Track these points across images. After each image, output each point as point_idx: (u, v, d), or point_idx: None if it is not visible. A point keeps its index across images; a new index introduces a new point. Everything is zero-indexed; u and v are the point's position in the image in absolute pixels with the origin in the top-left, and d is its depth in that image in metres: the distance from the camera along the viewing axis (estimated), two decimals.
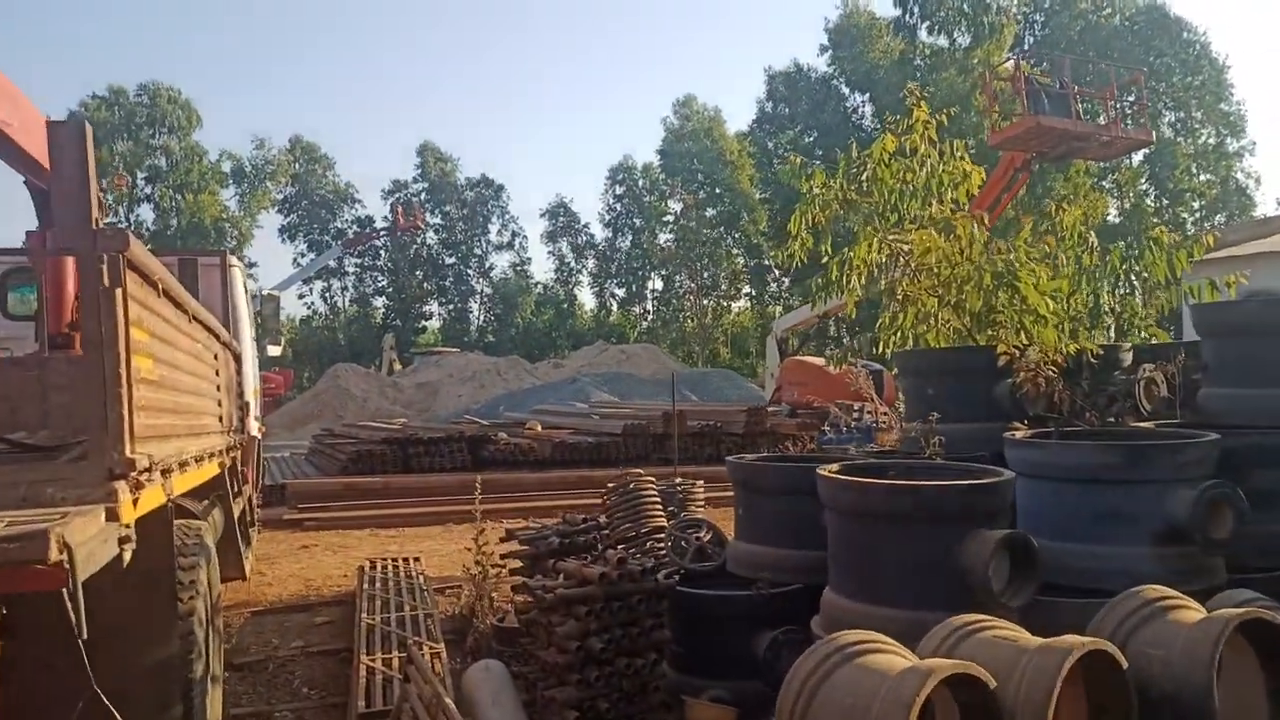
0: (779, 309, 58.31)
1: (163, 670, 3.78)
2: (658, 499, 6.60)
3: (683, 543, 5.90)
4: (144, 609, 3.68)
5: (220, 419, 5.69)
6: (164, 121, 51.61)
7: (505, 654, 5.82)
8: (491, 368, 37.03)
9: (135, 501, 3.01)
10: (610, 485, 6.70)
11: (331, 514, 11.91)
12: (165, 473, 3.58)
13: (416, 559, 8.21)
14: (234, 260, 8.77)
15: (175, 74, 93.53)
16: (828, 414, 18.31)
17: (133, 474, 2.93)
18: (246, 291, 9.22)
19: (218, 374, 5.68)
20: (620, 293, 61.77)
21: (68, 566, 2.17)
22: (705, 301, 58.35)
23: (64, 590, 2.22)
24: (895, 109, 9.45)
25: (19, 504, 2.72)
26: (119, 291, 2.88)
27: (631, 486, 6.62)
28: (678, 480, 7.09)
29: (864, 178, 8.30)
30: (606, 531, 6.74)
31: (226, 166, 54.13)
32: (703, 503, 7.03)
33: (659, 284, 61.22)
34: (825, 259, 7.70)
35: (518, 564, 7.02)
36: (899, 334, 7.26)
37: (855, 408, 17.94)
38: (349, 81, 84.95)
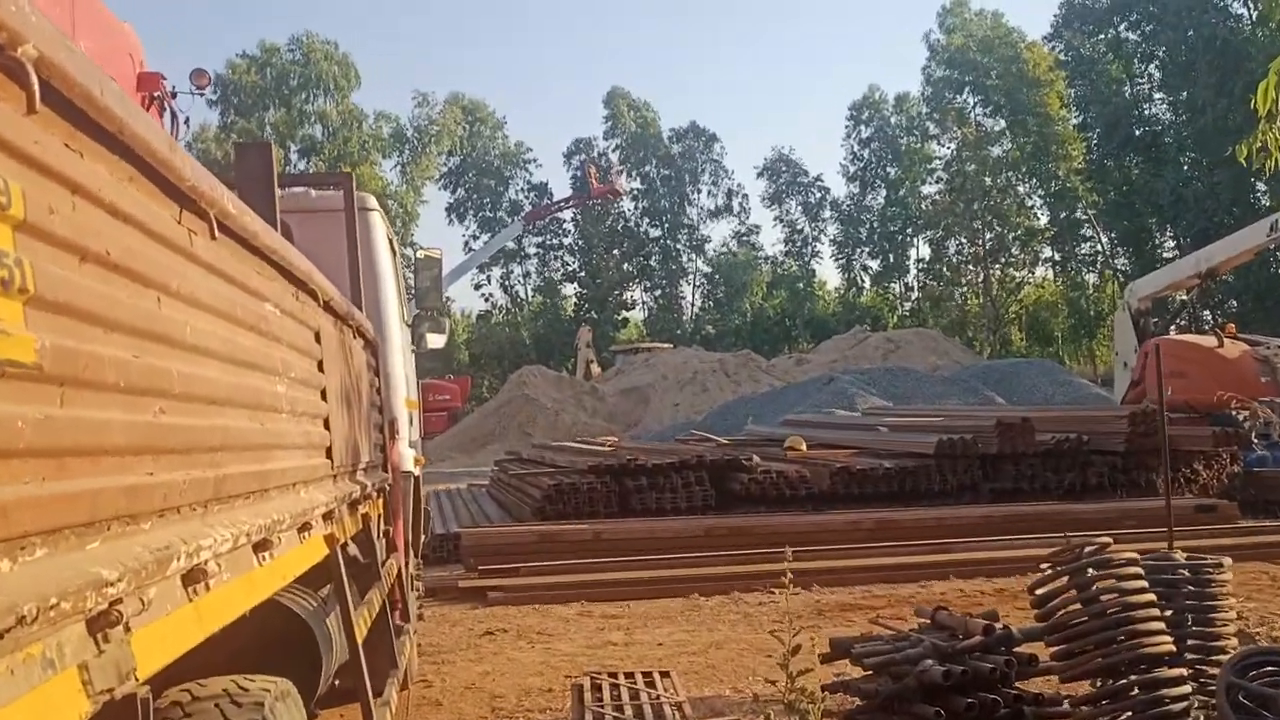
0: (1092, 277, 53.60)
1: None
2: (1150, 593, 4.25)
3: (1243, 697, 3.46)
4: None
5: (329, 451, 3.81)
6: (319, 82, 53.46)
7: None
8: (716, 367, 35.41)
9: None
10: (1046, 563, 4.42)
11: (524, 579, 10.45)
12: (101, 625, 1.62)
13: (665, 674, 6.22)
14: (370, 200, 7.06)
15: (329, 27, 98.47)
16: (1235, 419, 15.01)
17: None
18: (394, 249, 7.50)
19: (321, 368, 3.79)
20: (874, 265, 58.78)
21: None
22: (991, 271, 54.18)
23: None
24: None
25: None
26: None
27: (1090, 570, 4.26)
28: (1180, 557, 4.62)
29: None
30: (1032, 649, 4.44)
31: (385, 131, 55.56)
32: (1231, 596, 4.54)
33: (925, 251, 57.75)
34: None
35: (852, 701, 4.92)
36: None
37: None
38: (513, 30, 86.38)
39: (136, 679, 1.76)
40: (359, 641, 3.99)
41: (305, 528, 3.26)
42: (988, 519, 11.90)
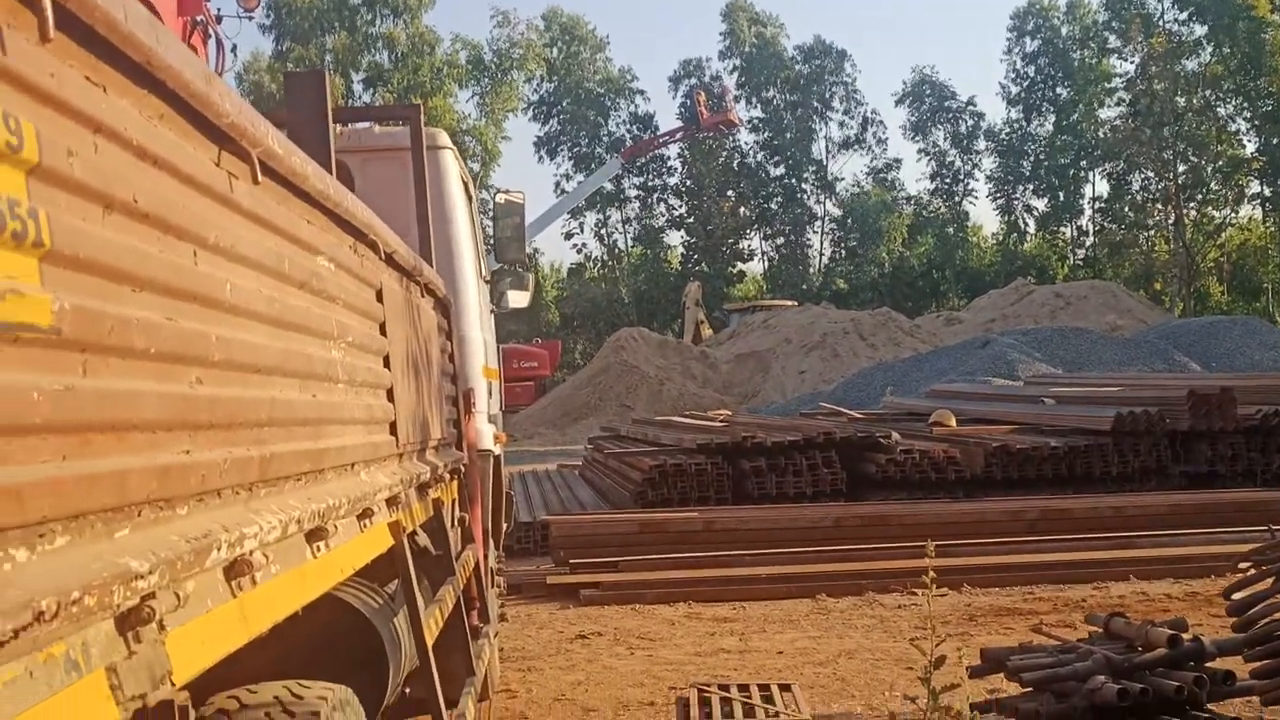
0: None
1: None
2: None
3: None
4: None
5: (393, 427, 3.90)
6: (386, 1, 54.30)
7: None
8: (849, 327, 35.13)
9: None
10: (1246, 561, 4.31)
11: (622, 575, 10.53)
12: (131, 623, 1.68)
13: (785, 688, 6.23)
14: (442, 136, 7.14)
15: None
16: None
17: None
18: (469, 194, 7.59)
19: (384, 331, 3.87)
20: (1040, 205, 57.60)
21: None
22: (1185, 211, 52.54)
23: None
24: None
25: None
26: None
27: None
28: None
29: None
30: (1227, 664, 4.34)
31: (463, 58, 56.16)
32: None
33: (1103, 188, 56.30)
34: None
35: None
36: None
37: None
38: None
39: (173, 683, 1.82)
40: (429, 645, 4.08)
41: (366, 514, 3.33)
42: (1177, 509, 11.59)
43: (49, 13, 1.49)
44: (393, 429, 3.91)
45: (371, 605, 4.50)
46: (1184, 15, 50.11)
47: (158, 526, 1.82)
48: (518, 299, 8.78)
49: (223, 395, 2.16)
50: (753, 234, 60.31)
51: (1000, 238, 58.60)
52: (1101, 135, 54.75)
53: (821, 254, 60.15)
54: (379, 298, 3.89)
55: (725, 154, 58.49)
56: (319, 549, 2.77)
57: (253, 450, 2.34)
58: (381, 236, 3.90)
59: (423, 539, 4.96)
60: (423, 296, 5.02)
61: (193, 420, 2.00)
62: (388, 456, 3.80)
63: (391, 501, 3.72)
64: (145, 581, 1.65)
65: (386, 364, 3.90)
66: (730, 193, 59.03)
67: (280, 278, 2.63)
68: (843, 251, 59.23)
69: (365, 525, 3.35)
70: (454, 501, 5.67)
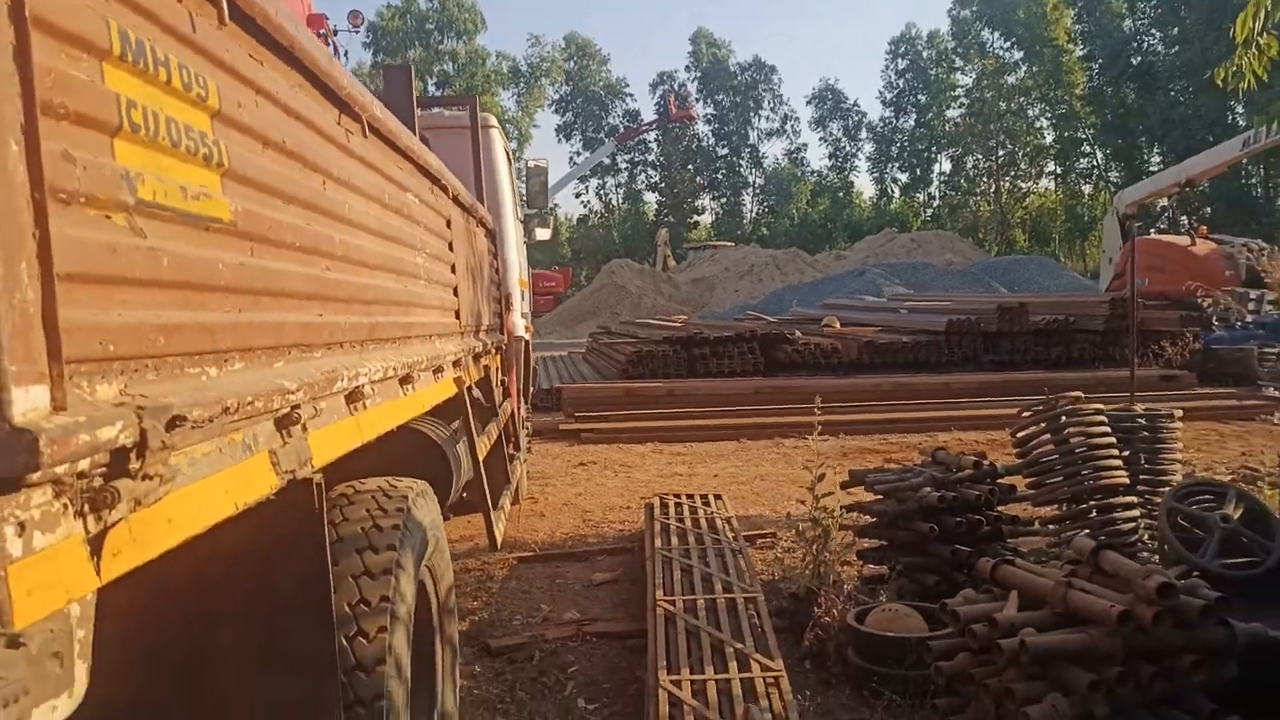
0: (1088, 187, 51.28)
1: None
2: (1111, 437, 4.15)
3: (1181, 519, 3.45)
4: (276, 678, 1.90)
5: (457, 313, 3.90)
6: (452, 26, 52.66)
7: (875, 681, 3.73)
8: (769, 261, 34.83)
9: (97, 545, 1.10)
10: (1026, 412, 4.35)
11: (611, 424, 10.53)
12: (285, 423, 1.72)
13: (717, 497, 6.32)
14: (491, 119, 7.01)
15: None
16: (1200, 305, 14.45)
17: (59, 466, 0.99)
18: (509, 160, 7.47)
19: (451, 248, 3.85)
20: (903, 178, 56.91)
21: None
22: (1002, 183, 52.05)
23: None
24: None
25: None
26: None
27: (1063, 418, 4.19)
28: (1138, 410, 4.53)
29: None
30: (1011, 480, 4.43)
31: (504, 68, 54.71)
32: (1180, 443, 4.45)
33: (946, 166, 55.66)
34: None
35: (864, 519, 4.95)
36: None
37: (1252, 295, 13.96)
38: None
39: (313, 467, 1.88)
40: (480, 462, 4.15)
41: (439, 370, 3.36)
42: (986, 384, 11.71)
43: (225, 7, 1.49)
44: (457, 314, 3.93)
45: (442, 435, 4.56)
46: (1007, 44, 49.14)
47: (301, 362, 1.86)
48: (543, 233, 8.70)
49: (343, 279, 2.19)
50: (704, 195, 59.48)
51: (874, 200, 57.95)
52: (947, 129, 53.94)
53: (751, 210, 59.41)
54: (448, 225, 3.88)
55: (687, 139, 57.32)
56: (408, 390, 2.81)
57: (363, 318, 2.37)
58: (450, 182, 3.88)
59: (476, 392, 5.00)
60: (477, 227, 5.01)
61: (324, 294, 2.03)
62: (453, 333, 3.82)
63: (456, 363, 3.75)
64: (294, 396, 1.69)
65: (453, 270, 3.91)
66: (689, 166, 57.97)
67: (381, 204, 2.64)
68: (766, 208, 58.45)
69: (438, 377, 3.38)
70: (497, 369, 5.69)
